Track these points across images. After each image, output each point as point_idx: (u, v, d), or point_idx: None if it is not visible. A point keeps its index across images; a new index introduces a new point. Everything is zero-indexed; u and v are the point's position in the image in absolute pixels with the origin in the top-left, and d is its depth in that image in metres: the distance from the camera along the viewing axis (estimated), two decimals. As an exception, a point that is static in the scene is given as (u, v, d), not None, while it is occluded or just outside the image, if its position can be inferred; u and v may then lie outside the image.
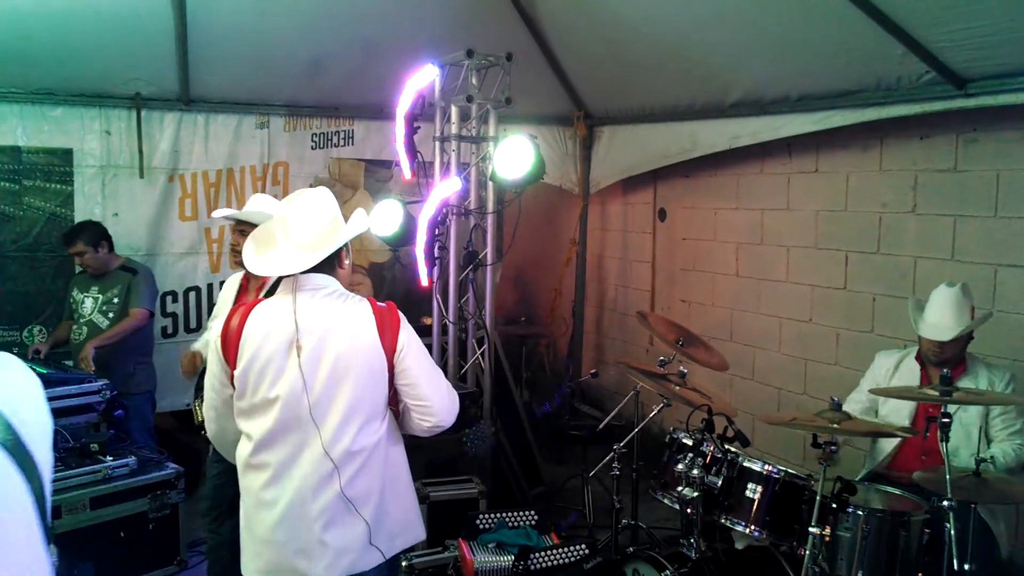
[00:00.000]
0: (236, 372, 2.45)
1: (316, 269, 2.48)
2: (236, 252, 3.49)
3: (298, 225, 2.49)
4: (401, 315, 2.57)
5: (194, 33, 4.74)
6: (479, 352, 4.82)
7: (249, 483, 2.50)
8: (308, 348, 2.41)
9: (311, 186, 5.76)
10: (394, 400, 2.59)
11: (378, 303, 2.55)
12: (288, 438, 2.42)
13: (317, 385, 2.40)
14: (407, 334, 2.53)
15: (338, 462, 2.41)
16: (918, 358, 3.67)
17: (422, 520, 2.72)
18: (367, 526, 2.45)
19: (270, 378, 2.41)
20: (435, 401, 2.56)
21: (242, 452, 2.51)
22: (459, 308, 4.83)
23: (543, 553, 3.53)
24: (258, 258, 2.55)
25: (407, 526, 2.64)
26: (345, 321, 2.46)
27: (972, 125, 4.15)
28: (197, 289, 5.55)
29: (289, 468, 2.42)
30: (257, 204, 3.56)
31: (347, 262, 2.62)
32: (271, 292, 3.34)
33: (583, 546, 3.59)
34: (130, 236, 5.18)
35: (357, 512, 2.43)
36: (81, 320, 4.65)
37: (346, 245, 2.57)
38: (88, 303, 4.65)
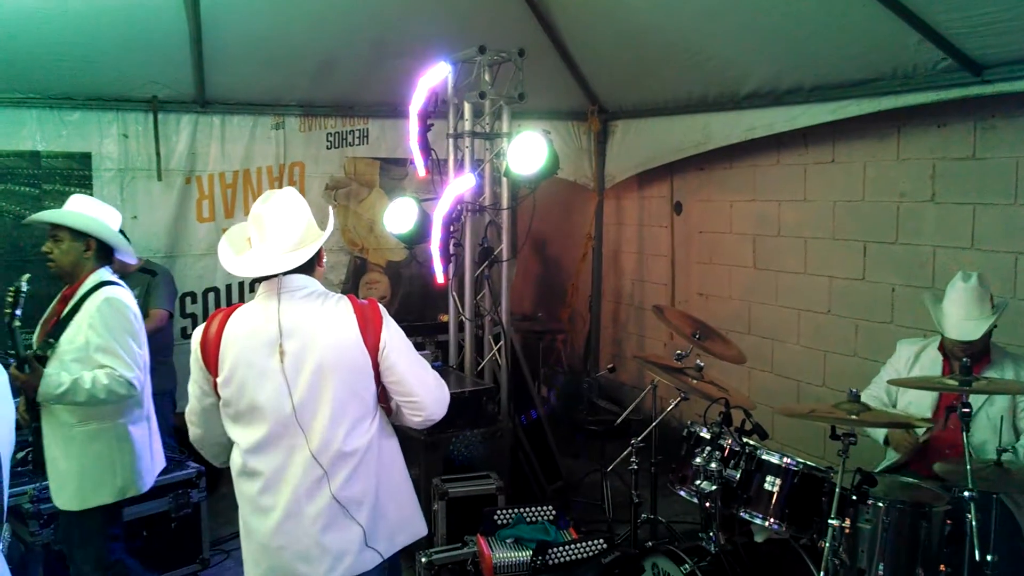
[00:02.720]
0: (219, 379, 2.42)
1: (297, 269, 2.47)
2: (51, 260, 3.34)
3: (275, 227, 2.45)
4: (383, 311, 2.54)
5: (209, 35, 4.78)
6: (496, 348, 4.83)
7: (245, 489, 2.47)
8: (291, 351, 2.39)
9: (327, 186, 5.91)
10: (384, 397, 2.58)
11: (359, 300, 2.54)
12: (278, 444, 2.41)
13: (301, 388, 2.39)
14: (390, 331, 2.51)
15: (328, 465, 2.40)
16: (941, 348, 3.60)
17: (421, 514, 2.71)
18: (362, 529, 2.45)
19: (253, 384, 2.39)
20: (423, 396, 2.55)
21: (235, 459, 2.49)
22: (475, 305, 4.85)
23: (561, 548, 3.52)
24: (237, 259, 2.51)
25: (406, 523, 2.63)
26: (327, 321, 2.44)
27: (990, 112, 4.10)
28: (216, 290, 5.60)
29: (282, 474, 2.41)
30: (76, 205, 3.36)
31: (324, 260, 2.63)
32: (78, 305, 3.17)
33: (602, 541, 3.58)
34: (149, 238, 5.24)
35: (351, 516, 2.43)
36: (101, 322, 4.69)
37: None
38: (109, 305, 4.69)
